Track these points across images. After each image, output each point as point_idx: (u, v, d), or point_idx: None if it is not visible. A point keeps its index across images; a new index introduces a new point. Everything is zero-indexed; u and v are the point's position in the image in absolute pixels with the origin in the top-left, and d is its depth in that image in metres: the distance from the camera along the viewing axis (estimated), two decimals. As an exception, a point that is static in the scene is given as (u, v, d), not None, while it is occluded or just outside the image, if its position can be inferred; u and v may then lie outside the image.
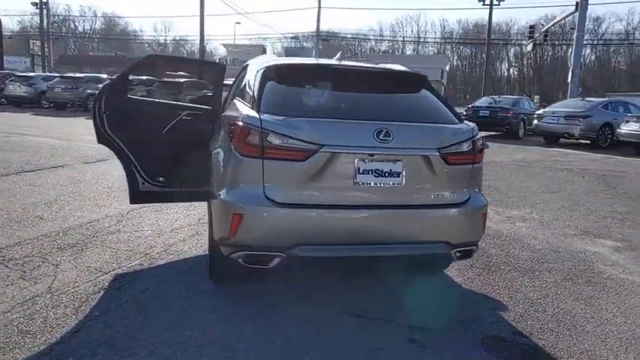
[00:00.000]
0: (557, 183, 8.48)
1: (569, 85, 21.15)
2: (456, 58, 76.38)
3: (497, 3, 37.49)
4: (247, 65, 3.84)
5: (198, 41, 40.66)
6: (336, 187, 2.80)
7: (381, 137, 2.76)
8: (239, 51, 43.94)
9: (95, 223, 4.75)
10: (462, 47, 77.04)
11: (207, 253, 3.95)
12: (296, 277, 3.65)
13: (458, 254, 3.02)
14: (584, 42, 63.13)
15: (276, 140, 2.71)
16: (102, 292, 3.27)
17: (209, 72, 4.58)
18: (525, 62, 71.00)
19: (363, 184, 2.80)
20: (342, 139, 2.78)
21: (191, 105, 4.47)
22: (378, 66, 3.50)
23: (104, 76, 24.22)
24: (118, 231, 4.55)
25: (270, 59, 3.59)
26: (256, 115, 2.80)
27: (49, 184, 6.35)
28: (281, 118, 2.78)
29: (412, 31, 79.55)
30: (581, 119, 14.36)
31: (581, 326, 3.13)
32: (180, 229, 4.75)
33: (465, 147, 2.96)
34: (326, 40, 44.18)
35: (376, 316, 3.10)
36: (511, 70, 75.55)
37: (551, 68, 66.71)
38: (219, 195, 2.90)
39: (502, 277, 3.90)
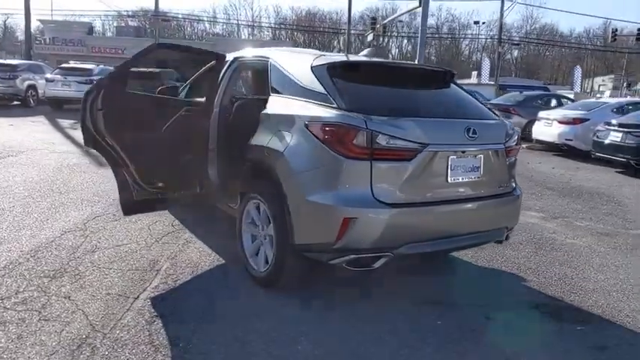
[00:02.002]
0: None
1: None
2: (290, 44, 78.50)
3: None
4: (269, 59, 3.59)
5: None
6: (432, 184, 2.89)
7: (470, 134, 2.93)
8: (60, 28, 38.59)
9: (60, 241, 3.97)
10: (296, 33, 79.60)
11: (221, 260, 3.71)
12: (346, 276, 3.61)
13: (507, 237, 3.38)
14: (401, 34, 69.84)
15: (384, 141, 2.69)
16: (158, 319, 2.83)
17: (206, 63, 4.13)
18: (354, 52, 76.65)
19: (454, 179, 2.94)
20: (442, 137, 2.89)
21: (190, 100, 4.01)
22: (425, 65, 3.62)
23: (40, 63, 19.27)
24: (96, 248, 3.88)
25: (308, 55, 3.46)
26: (360, 116, 2.71)
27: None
28: (384, 118, 2.75)
29: (247, 14, 79.24)
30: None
31: (584, 286, 3.75)
32: (165, 236, 4.26)
33: (515, 141, 3.30)
34: (167, 21, 41.28)
35: (446, 301, 3.30)
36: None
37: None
38: (314, 199, 2.75)
39: (495, 252, 4.40)
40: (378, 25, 28.88)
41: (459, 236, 3.04)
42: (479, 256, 4.21)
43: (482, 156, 3.04)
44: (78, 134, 11.03)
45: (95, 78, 16.74)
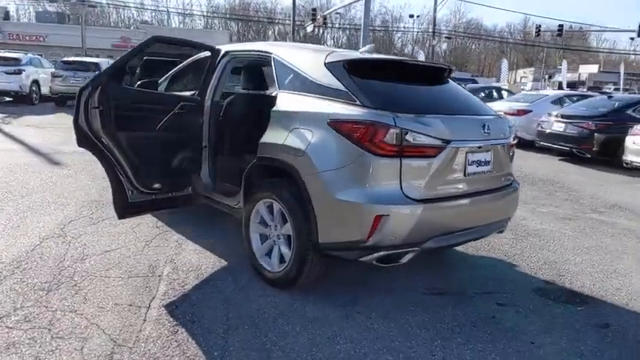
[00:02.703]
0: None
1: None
2: (227, 35, 76.59)
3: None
4: (271, 54, 3.50)
5: None
6: (453, 179, 2.95)
7: (485, 130, 3.03)
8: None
9: (41, 250, 3.66)
10: (229, 22, 77.74)
11: (223, 261, 3.60)
12: (352, 273, 3.62)
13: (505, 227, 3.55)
14: (336, 26, 70.23)
15: (412, 138, 2.71)
16: (182, 328, 2.70)
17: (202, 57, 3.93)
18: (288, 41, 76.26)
19: (470, 174, 3.02)
20: (463, 133, 2.96)
21: (183, 95, 3.81)
22: (433, 62, 3.67)
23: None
24: (84, 255, 3.62)
25: (315, 50, 3.41)
26: (388, 114, 2.71)
27: None
28: (411, 115, 2.77)
29: (177, 1, 76.26)
30: None
31: (567, 269, 4.01)
32: (154, 238, 4.04)
33: (514, 136, 3.46)
34: (93, 7, 38.78)
35: (456, 291, 3.41)
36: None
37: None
38: (343, 198, 2.73)
39: (480, 240, 4.58)
40: (319, 16, 28.94)
41: (475, 228, 3.14)
42: (466, 245, 4.38)
43: (492, 151, 3.16)
44: (13, 130, 10.18)
45: (24, 68, 15.50)
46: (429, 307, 3.14)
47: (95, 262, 3.51)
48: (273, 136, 3.17)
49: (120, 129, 3.21)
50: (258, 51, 3.72)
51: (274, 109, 3.24)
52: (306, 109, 3.04)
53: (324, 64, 3.13)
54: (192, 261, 3.66)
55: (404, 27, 71.05)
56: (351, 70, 3.02)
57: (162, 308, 2.93)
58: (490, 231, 3.33)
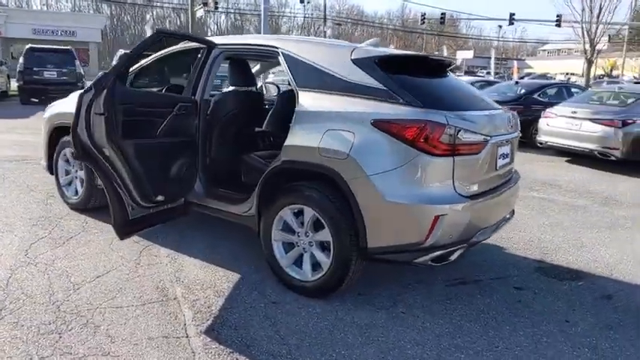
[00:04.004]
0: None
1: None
2: (103, 18, 70.19)
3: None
4: (277, 49, 3.26)
5: None
6: (489, 173, 3.02)
7: (510, 124, 3.14)
8: None
9: (18, 283, 3.08)
10: (100, 5, 71.21)
11: (235, 273, 3.36)
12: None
13: None
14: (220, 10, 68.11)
15: (464, 136, 2.72)
16: (242, 356, 2.46)
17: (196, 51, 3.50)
18: (168, 26, 72.26)
19: (499, 167, 3.12)
20: (497, 129, 3.03)
21: (179, 96, 3.40)
22: (447, 57, 3.66)
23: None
24: (74, 285, 3.12)
25: (332, 45, 3.25)
26: (440, 112, 2.68)
27: None
28: (459, 112, 2.77)
29: (60, -15, 67.78)
30: None
31: (548, 247, 4.37)
32: (139, 255, 3.61)
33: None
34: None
35: (473, 279, 3.54)
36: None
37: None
38: (397, 200, 2.66)
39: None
40: (211, 1, 27.74)
41: (501, 219, 3.28)
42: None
43: (511, 144, 3.31)
44: None
45: None
46: (460, 298, 3.23)
47: (92, 291, 3.04)
48: (302, 138, 2.98)
49: (126, 137, 2.78)
50: (260, 45, 3.46)
51: (298, 109, 3.04)
52: (340, 109, 2.90)
53: (351, 60, 3.00)
54: (201, 277, 3.34)
55: (290, 12, 71.30)
56: (384, 66, 2.94)
57: (204, 336, 2.64)
58: (506, 221, 3.49)
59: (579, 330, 2.91)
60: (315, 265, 3.07)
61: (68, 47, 14.14)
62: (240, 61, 3.82)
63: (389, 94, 2.81)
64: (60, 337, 2.53)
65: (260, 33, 17.58)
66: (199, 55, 3.48)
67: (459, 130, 2.70)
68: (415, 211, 2.68)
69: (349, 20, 66.52)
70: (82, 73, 13.81)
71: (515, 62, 37.77)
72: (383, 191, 2.70)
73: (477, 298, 3.25)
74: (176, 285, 3.21)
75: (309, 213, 3.00)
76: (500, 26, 54.01)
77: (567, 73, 41.84)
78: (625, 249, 4.35)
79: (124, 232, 3.05)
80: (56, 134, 4.55)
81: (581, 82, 26.76)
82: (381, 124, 2.73)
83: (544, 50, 73.68)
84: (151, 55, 3.98)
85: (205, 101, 3.57)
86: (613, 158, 7.70)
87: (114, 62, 15.79)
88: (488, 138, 2.91)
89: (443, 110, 2.74)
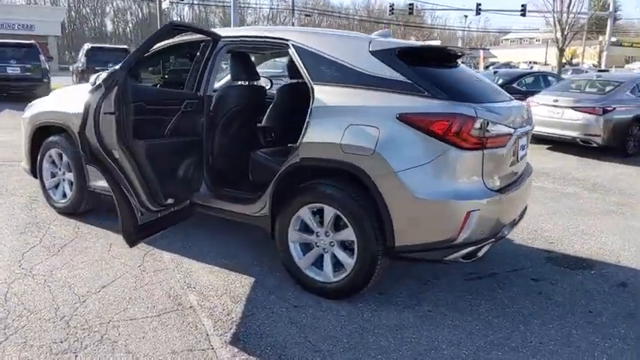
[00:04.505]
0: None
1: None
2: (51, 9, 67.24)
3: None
4: (288, 41, 3.11)
5: None
6: (510, 166, 2.96)
7: (527, 116, 3.09)
8: None
9: (17, 299, 2.84)
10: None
11: (249, 277, 3.22)
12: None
13: None
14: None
15: (492, 129, 2.65)
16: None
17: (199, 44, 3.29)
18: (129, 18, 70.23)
19: (520, 159, 3.08)
20: (519, 120, 2.98)
21: (186, 92, 3.20)
22: (457, 46, 3.55)
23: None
24: (80, 296, 2.91)
25: (344, 36, 3.12)
26: (469, 105, 2.60)
27: None
28: (484, 105, 2.70)
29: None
30: None
31: (551, 236, 4.40)
32: (142, 261, 3.41)
33: None
34: None
35: (489, 272, 3.50)
36: (118, 25, 73.19)
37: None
38: (427, 196, 2.57)
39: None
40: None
41: (521, 214, 3.24)
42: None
43: (527, 135, 3.27)
44: None
45: None
46: (482, 293, 3.19)
47: (100, 303, 2.84)
48: (321, 134, 2.84)
49: (137, 137, 2.58)
50: (268, 37, 3.29)
51: (316, 104, 2.90)
52: (362, 103, 2.78)
53: (370, 52, 2.88)
54: (213, 282, 3.18)
55: (255, 3, 70.34)
56: (405, 58, 2.83)
57: (230, 346, 2.50)
58: (523, 215, 3.45)
59: (604, 320, 2.90)
60: (336, 266, 2.96)
61: (32, 41, 13.38)
62: (242, 54, 3.64)
63: (413, 87, 2.71)
64: (76, 356, 2.34)
65: (229, 25, 17.19)
66: (203, 49, 3.28)
67: (488, 123, 2.63)
68: (446, 207, 2.60)
69: (316, 11, 66.18)
70: (48, 68, 13.12)
71: (481, 52, 38.48)
72: (412, 188, 2.60)
73: (499, 292, 3.21)
74: (188, 292, 3.04)
75: (329, 212, 2.88)
76: (465, 16, 54.77)
77: (530, 62, 42.88)
78: (625, 236, 4.41)
79: (133, 239, 2.85)
80: (39, 135, 4.26)
81: (543, 69, 27.46)
82: (408, 118, 2.63)
83: (507, 39, 75.39)
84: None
85: (208, 97, 3.39)
86: (595, 145, 7.87)
87: (80, 56, 15.11)
88: (513, 130, 2.85)
89: (469, 102, 2.66)
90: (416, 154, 2.62)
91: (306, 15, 52.39)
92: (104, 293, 2.96)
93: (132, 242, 2.86)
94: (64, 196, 4.27)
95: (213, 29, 3.39)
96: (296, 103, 3.89)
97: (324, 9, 69.99)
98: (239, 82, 3.73)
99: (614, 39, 39.17)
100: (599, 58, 38.84)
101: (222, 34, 3.36)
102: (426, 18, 73.57)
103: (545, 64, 45.30)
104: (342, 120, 2.79)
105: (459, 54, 3.31)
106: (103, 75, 2.52)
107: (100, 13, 70.33)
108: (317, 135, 2.86)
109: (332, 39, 3.13)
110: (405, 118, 2.63)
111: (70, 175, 4.18)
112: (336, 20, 69.49)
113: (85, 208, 4.19)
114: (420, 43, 3.46)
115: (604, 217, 4.97)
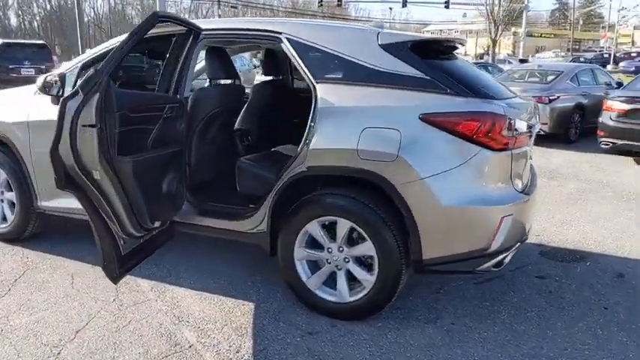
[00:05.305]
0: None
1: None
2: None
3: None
4: (280, 34, 2.76)
5: None
6: (526, 166, 2.82)
7: (534, 112, 2.96)
8: None
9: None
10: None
11: (247, 302, 2.88)
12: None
13: None
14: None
15: (520, 128, 2.48)
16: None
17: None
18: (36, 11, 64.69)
19: (531, 157, 2.94)
20: (532, 117, 2.81)
21: (167, 96, 2.73)
22: (457, 37, 3.33)
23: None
24: (50, 344, 2.41)
25: (344, 28, 2.80)
26: (497, 102, 2.40)
27: None
28: (507, 102, 2.51)
29: None
30: None
31: (547, 227, 4.34)
32: (118, 294, 2.94)
33: None
34: None
35: (495, 274, 3.35)
36: (24, 19, 67.17)
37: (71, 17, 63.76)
38: (457, 204, 2.35)
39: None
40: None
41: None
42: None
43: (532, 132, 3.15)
44: None
45: None
46: (496, 297, 3.05)
47: (79, 354, 2.36)
48: (332, 139, 2.53)
49: (123, 152, 2.12)
50: (257, 30, 2.90)
51: (321, 105, 2.58)
52: (377, 103, 2.50)
53: (380, 46, 2.60)
54: (207, 312, 2.79)
55: (177, -5, 67.36)
56: (419, 52, 2.58)
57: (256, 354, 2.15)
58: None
59: (622, 317, 2.86)
60: (351, 283, 2.68)
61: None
62: (218, 48, 3.22)
63: (433, 84, 2.47)
64: None
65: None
66: (179, 43, 2.83)
67: (515, 121, 2.45)
68: (479, 214, 2.40)
69: (239, 3, 64.64)
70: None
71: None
72: (440, 195, 2.38)
73: (512, 295, 3.09)
74: (182, 327, 2.63)
75: (344, 225, 2.58)
76: (390, 8, 55.93)
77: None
78: (599, 223, 4.50)
79: (117, 272, 2.39)
80: None
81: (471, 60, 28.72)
82: (433, 119, 2.39)
83: (427, 31, 78.08)
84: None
85: (185, 99, 2.95)
86: (542, 132, 8.14)
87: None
88: (531, 127, 2.71)
89: (492, 99, 2.48)
90: (444, 158, 2.39)
91: (232, 7, 50.89)
92: (80, 340, 2.48)
93: (115, 278, 2.40)
94: (4, 219, 3.63)
95: (192, 21, 2.93)
96: (273, 102, 3.55)
97: (249, 1, 68.58)
98: (217, 82, 3.31)
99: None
100: (514, 48, 41.33)
101: (203, 27, 2.92)
102: (350, 10, 74.41)
103: (465, 54, 47.42)
104: (356, 123, 2.50)
105: (459, 45, 3.12)
106: (80, 81, 2.04)
107: (2, 5, 64.08)
108: (327, 141, 2.55)
109: (333, 31, 2.82)
110: (430, 119, 2.39)
111: (9, 195, 3.55)
112: (260, 12, 68.38)
113: (32, 231, 3.59)
114: (430, 36, 3.24)
115: (573, 205, 5.07)
